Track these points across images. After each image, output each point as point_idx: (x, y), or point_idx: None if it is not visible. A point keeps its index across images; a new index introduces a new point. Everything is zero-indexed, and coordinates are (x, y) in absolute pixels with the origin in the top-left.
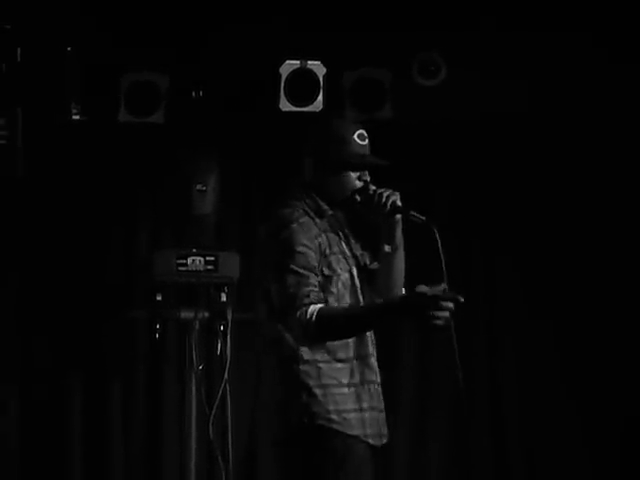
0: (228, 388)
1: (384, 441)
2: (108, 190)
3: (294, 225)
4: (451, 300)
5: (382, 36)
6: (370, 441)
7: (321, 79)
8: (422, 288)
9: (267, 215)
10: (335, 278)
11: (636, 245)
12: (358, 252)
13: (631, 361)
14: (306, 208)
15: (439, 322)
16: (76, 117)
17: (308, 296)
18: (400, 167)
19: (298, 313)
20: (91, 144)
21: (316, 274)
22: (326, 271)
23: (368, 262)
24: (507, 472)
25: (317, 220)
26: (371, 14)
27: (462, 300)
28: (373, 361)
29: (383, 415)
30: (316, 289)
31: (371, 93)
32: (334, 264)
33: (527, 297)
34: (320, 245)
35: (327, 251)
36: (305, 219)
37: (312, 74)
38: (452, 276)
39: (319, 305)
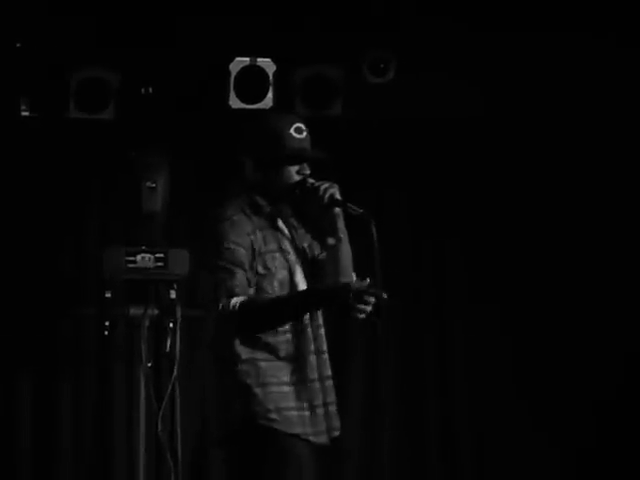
0: (177, 385)
1: (335, 434)
2: (58, 187)
3: (226, 222)
4: (373, 295)
5: (333, 34)
6: (311, 439)
7: (271, 76)
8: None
9: (205, 214)
10: (270, 276)
11: (582, 228)
12: (307, 243)
13: (579, 343)
14: (242, 205)
15: (360, 315)
16: (25, 114)
17: (232, 289)
18: (350, 164)
19: (221, 305)
20: (41, 141)
21: (245, 270)
22: (261, 270)
23: (317, 253)
24: (456, 457)
25: (253, 217)
26: (322, 11)
27: (385, 297)
28: (318, 357)
29: (332, 408)
30: (242, 284)
31: (321, 90)
32: (269, 262)
33: (476, 282)
34: (253, 243)
35: (262, 249)
36: (239, 216)
37: (262, 71)
38: (402, 263)
39: (242, 297)
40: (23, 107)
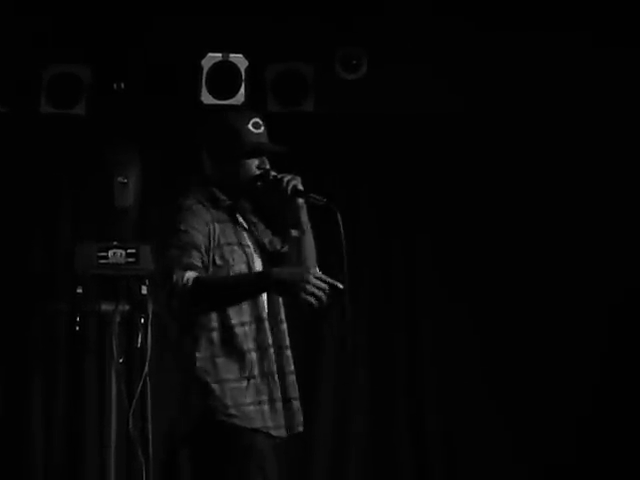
0: (148, 381)
1: (298, 430)
2: (29, 182)
3: (185, 211)
4: (330, 286)
5: (305, 30)
6: (272, 433)
7: (243, 72)
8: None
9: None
10: (227, 268)
11: (554, 226)
12: (267, 239)
13: (549, 342)
14: (201, 198)
15: (311, 300)
16: None
17: (188, 265)
18: (321, 159)
19: (174, 277)
20: (12, 136)
21: (201, 252)
22: (218, 261)
23: (278, 247)
24: (426, 455)
25: (212, 210)
26: (294, 7)
27: (341, 287)
28: (278, 352)
29: (296, 404)
30: (197, 262)
31: (293, 86)
32: (227, 255)
33: (446, 281)
34: (210, 232)
35: (221, 240)
36: (198, 206)
37: (234, 67)
38: (371, 264)
39: (197, 273)
40: None
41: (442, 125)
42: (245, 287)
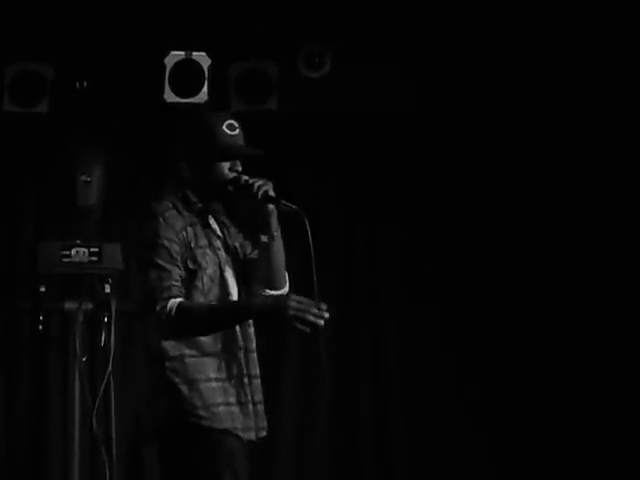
0: (112, 380)
1: (262, 434)
2: None
3: (158, 219)
4: (315, 306)
5: (268, 28)
6: (240, 434)
7: (206, 70)
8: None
9: (137, 210)
10: (200, 272)
11: (518, 225)
12: (238, 243)
13: (514, 341)
14: (175, 201)
15: (302, 327)
16: None
17: (169, 289)
18: (285, 158)
19: (158, 307)
20: None
21: (179, 267)
22: (190, 265)
23: (249, 252)
24: (390, 458)
25: (185, 213)
26: (258, 5)
27: (325, 307)
28: (245, 355)
29: (260, 408)
30: (178, 283)
31: (257, 85)
32: (199, 258)
33: (409, 282)
34: (184, 239)
35: (192, 244)
36: (171, 212)
37: (197, 65)
38: (335, 264)
39: (179, 299)
40: None
41: (405, 123)
42: (228, 317)
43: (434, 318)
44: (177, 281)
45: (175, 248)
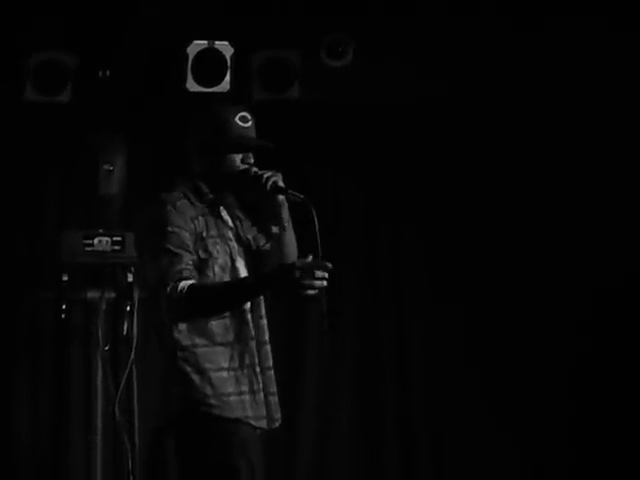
0: (134, 368)
1: (276, 425)
2: (14, 170)
3: (168, 207)
4: (320, 267)
5: (291, 16)
6: (252, 423)
7: (229, 59)
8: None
9: (150, 200)
10: (211, 261)
11: (541, 226)
12: (251, 235)
13: (539, 341)
14: (186, 192)
15: (311, 291)
16: None
17: (180, 272)
18: (307, 148)
19: (169, 289)
20: None
21: (190, 253)
22: (202, 254)
23: (262, 244)
24: (413, 456)
25: (196, 203)
26: None
27: (330, 266)
28: (258, 346)
29: (275, 398)
30: (189, 267)
31: (279, 74)
32: (210, 247)
33: (435, 282)
34: (196, 227)
35: (204, 234)
36: (182, 202)
37: (220, 54)
38: (359, 261)
39: (191, 281)
40: None
41: (428, 112)
42: (238, 294)
43: (459, 317)
44: (189, 265)
45: (185, 235)
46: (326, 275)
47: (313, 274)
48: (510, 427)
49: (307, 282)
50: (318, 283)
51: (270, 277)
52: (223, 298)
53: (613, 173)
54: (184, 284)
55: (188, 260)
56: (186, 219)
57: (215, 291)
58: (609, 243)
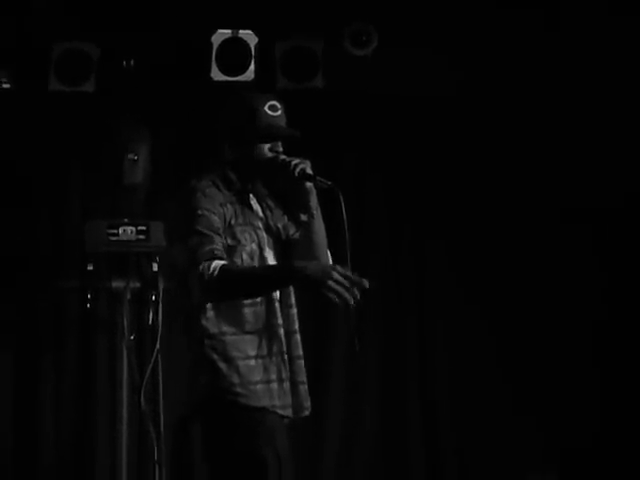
0: (159, 358)
1: (305, 414)
2: (39, 159)
3: (198, 193)
4: (352, 282)
5: (314, 5)
6: (279, 412)
7: (253, 48)
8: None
9: (179, 187)
10: (239, 248)
11: (559, 229)
12: (281, 224)
13: (564, 347)
14: (215, 180)
15: (334, 297)
16: (6, 86)
17: (212, 252)
18: (331, 137)
19: (200, 267)
20: (21, 113)
21: (220, 236)
22: (230, 241)
23: (292, 233)
24: (437, 444)
25: (225, 191)
26: None
27: (367, 285)
28: (287, 335)
29: (303, 388)
30: (220, 248)
31: (303, 62)
32: (238, 235)
33: (458, 281)
34: (225, 213)
35: (232, 221)
36: (211, 189)
37: (244, 43)
38: (382, 259)
39: (223, 261)
40: (4, 79)
41: (451, 107)
42: (270, 279)
43: (483, 318)
44: (219, 246)
45: (215, 218)
46: (357, 294)
47: (348, 285)
48: (536, 436)
49: (340, 290)
50: (348, 297)
51: (305, 272)
52: (254, 283)
53: (621, 171)
54: (216, 264)
55: (219, 242)
56: (215, 204)
57: (247, 275)
58: (622, 239)
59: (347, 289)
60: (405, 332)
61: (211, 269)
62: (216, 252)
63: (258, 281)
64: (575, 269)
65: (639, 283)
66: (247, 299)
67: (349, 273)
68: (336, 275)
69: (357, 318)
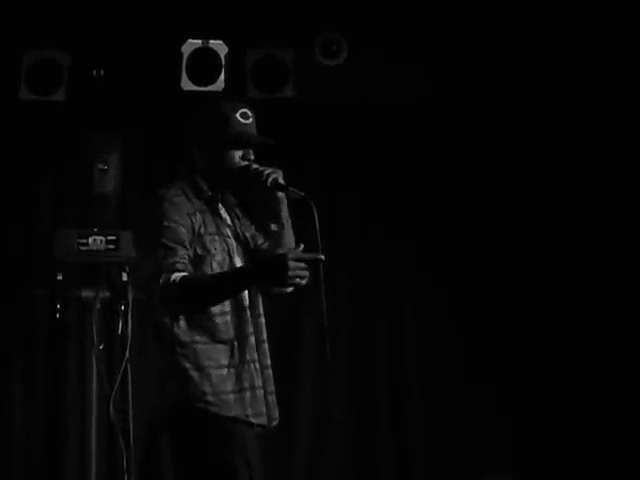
0: (129, 368)
1: (274, 424)
2: (9, 168)
3: (166, 203)
4: (309, 259)
5: (285, 16)
6: (252, 420)
7: (223, 58)
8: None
9: (148, 196)
10: (209, 258)
11: (530, 211)
12: (249, 233)
13: (527, 325)
14: (185, 188)
15: (299, 281)
16: None
17: (174, 265)
18: (302, 146)
19: (161, 280)
20: None
21: (186, 248)
22: (199, 250)
23: (260, 243)
24: (406, 442)
25: (194, 200)
26: None
27: (322, 258)
28: (255, 342)
29: (273, 397)
30: (184, 261)
31: (273, 72)
32: (208, 244)
33: (425, 265)
34: (193, 223)
35: (201, 230)
36: (179, 198)
37: (214, 53)
38: (353, 251)
39: (183, 273)
40: None
41: (422, 110)
42: (229, 284)
43: (449, 302)
44: (183, 259)
45: (181, 230)
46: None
47: (304, 269)
48: (501, 410)
49: (298, 278)
50: (305, 273)
51: (262, 265)
52: (215, 288)
53: (608, 173)
54: (176, 275)
55: (183, 254)
56: (183, 214)
57: (207, 281)
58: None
59: (304, 271)
60: (375, 334)
61: (171, 280)
62: (177, 265)
63: (219, 286)
64: (548, 252)
65: (610, 271)
66: (210, 307)
67: (302, 255)
68: (292, 264)
69: (325, 297)
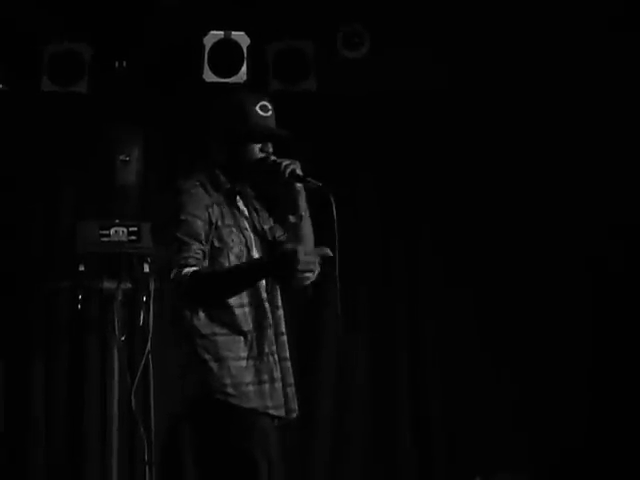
0: (150, 359)
1: (293, 416)
2: (31, 160)
3: (183, 195)
4: (320, 255)
5: (307, 7)
6: (272, 412)
7: (245, 50)
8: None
9: (166, 188)
10: (226, 250)
11: (547, 213)
12: (267, 226)
13: (551, 328)
14: (203, 180)
15: (308, 276)
16: None
17: (186, 259)
18: (323, 139)
19: (173, 273)
20: (14, 114)
21: (201, 242)
22: (217, 243)
23: (278, 235)
24: (429, 443)
25: (212, 192)
26: None
27: (330, 254)
28: (275, 336)
29: (292, 389)
30: (197, 256)
31: (295, 64)
32: (225, 236)
33: (450, 282)
34: (210, 216)
35: (219, 223)
36: (197, 190)
37: (236, 45)
38: (374, 250)
39: (195, 267)
40: None
41: (444, 101)
42: (239, 278)
43: (472, 303)
44: (197, 254)
45: (197, 223)
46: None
47: (313, 265)
48: (523, 412)
49: (308, 273)
50: (315, 269)
51: (273, 260)
52: (225, 282)
53: (614, 166)
54: (187, 270)
55: (197, 249)
56: (200, 207)
57: (217, 275)
58: (609, 229)
59: (312, 265)
60: (395, 332)
61: (182, 274)
62: (189, 260)
63: (229, 280)
64: (569, 254)
65: (624, 278)
66: (222, 300)
67: (310, 251)
68: (302, 258)
69: (341, 301)
